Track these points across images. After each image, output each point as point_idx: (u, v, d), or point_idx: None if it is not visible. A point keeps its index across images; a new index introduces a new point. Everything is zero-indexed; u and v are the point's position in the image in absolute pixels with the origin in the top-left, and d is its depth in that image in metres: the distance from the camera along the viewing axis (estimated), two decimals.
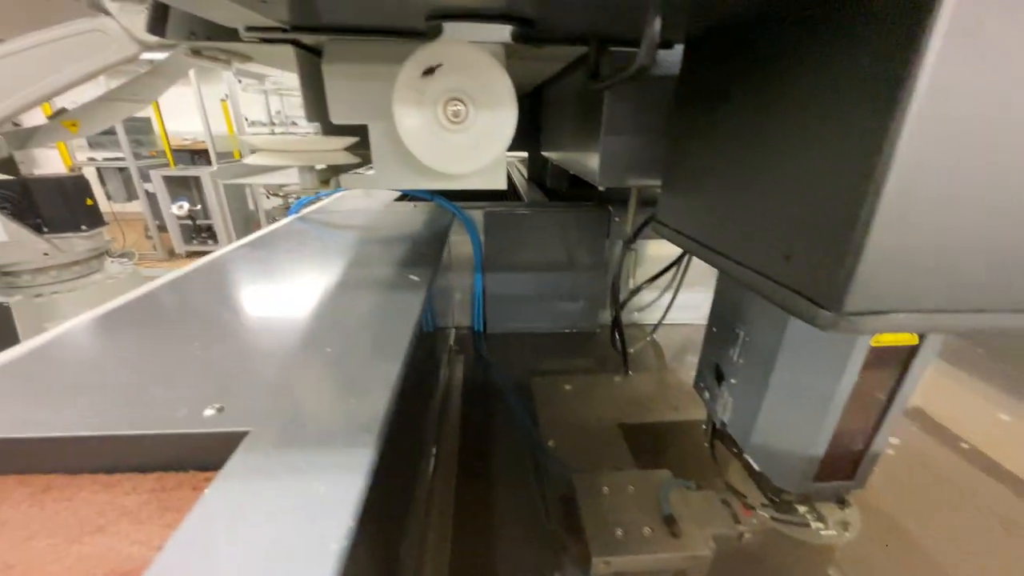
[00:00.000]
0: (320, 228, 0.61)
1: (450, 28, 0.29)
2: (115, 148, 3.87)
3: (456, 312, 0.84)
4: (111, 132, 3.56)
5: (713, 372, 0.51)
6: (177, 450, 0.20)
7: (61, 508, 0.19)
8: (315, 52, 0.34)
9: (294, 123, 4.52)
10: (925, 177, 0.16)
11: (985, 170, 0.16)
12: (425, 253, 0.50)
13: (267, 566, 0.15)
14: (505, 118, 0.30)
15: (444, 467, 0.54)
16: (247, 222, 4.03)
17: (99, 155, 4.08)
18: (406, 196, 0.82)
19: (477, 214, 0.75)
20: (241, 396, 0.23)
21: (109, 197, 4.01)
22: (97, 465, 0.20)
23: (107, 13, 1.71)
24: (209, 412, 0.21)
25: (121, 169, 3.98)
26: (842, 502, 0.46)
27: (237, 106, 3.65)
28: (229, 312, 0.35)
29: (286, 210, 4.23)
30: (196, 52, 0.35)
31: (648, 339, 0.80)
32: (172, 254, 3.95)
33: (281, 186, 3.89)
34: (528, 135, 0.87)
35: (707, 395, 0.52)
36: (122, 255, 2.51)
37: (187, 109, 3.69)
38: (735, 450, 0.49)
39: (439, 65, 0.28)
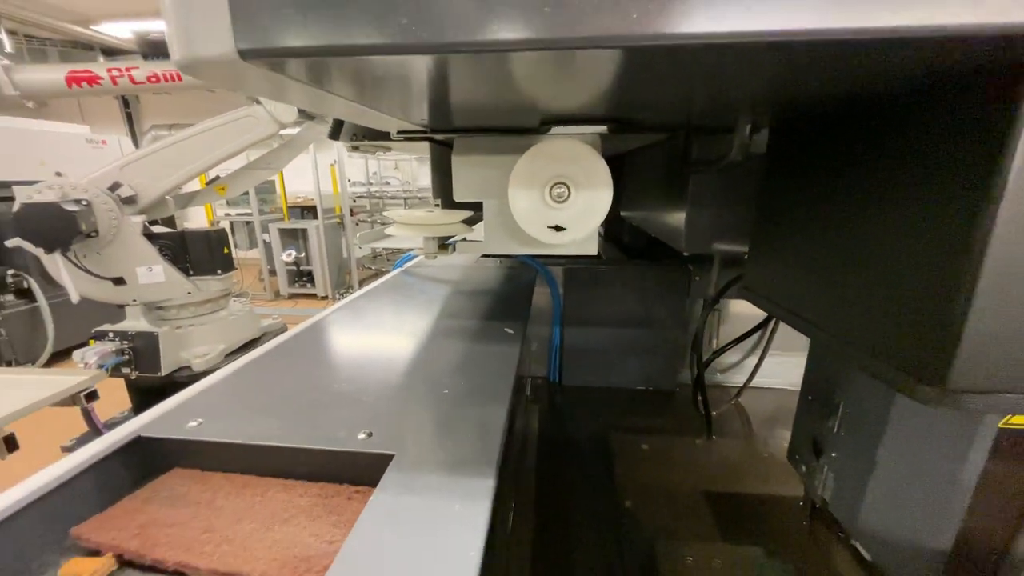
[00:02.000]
0: (423, 281, 0.70)
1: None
2: (245, 205, 4.62)
3: (532, 363, 0.87)
4: (244, 193, 4.28)
5: (811, 444, 0.48)
6: (338, 465, 0.26)
7: (256, 502, 0.25)
8: (445, 144, 0.43)
9: (387, 183, 5.08)
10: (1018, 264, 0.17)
11: None
12: (515, 307, 0.55)
13: (422, 564, 0.18)
14: (601, 197, 0.34)
15: (522, 517, 0.55)
16: (340, 269, 4.51)
17: (233, 211, 4.88)
18: (491, 255, 0.90)
19: (557, 270, 0.80)
20: (384, 425, 0.28)
21: (236, 246, 4.75)
22: (278, 470, 0.26)
23: (258, 102, 2.11)
24: (361, 436, 0.27)
25: (247, 222, 4.72)
26: None
27: (343, 169, 4.23)
28: (360, 350, 0.42)
29: (373, 259, 4.68)
30: (355, 147, 0.46)
31: (732, 402, 0.77)
32: (277, 295, 4.49)
33: (369, 234, 4.34)
34: None
35: (803, 468, 0.49)
36: (240, 295, 2.93)
37: (301, 172, 4.33)
38: (840, 534, 0.45)
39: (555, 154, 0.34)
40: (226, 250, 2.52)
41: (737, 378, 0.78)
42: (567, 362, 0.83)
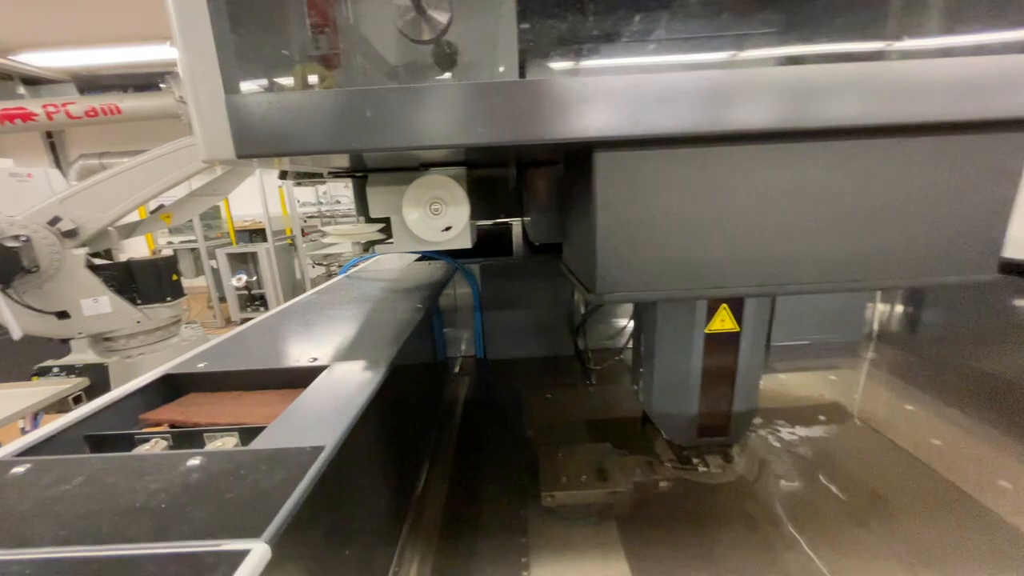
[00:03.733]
0: (362, 281, 0.87)
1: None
2: (188, 232, 4.53)
3: (468, 346, 1.06)
4: (188, 220, 4.21)
5: (637, 371, 0.70)
6: (295, 376, 0.43)
7: (247, 400, 0.41)
8: (363, 177, 0.61)
9: (338, 201, 5.13)
10: (614, 241, 0.39)
11: (639, 235, 0.39)
12: (427, 292, 0.74)
13: (326, 412, 0.36)
14: (462, 210, 0.54)
15: (445, 455, 0.73)
16: (295, 290, 4.50)
17: (176, 239, 4.75)
18: (424, 257, 1.09)
19: (476, 267, 1.00)
20: (324, 354, 0.46)
21: (181, 274, 4.62)
22: (261, 384, 0.43)
23: None
24: (309, 360, 0.44)
25: (192, 250, 4.62)
26: (727, 456, 0.62)
27: (291, 190, 4.25)
28: (313, 320, 0.59)
29: (328, 277, 4.72)
30: (298, 183, 0.63)
31: (616, 359, 0.99)
32: (228, 321, 4.42)
33: (326, 256, 4.38)
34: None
35: (636, 388, 0.70)
36: (191, 323, 2.92)
37: (248, 196, 4.30)
38: (653, 424, 0.66)
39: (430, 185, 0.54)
40: (175, 276, 2.55)
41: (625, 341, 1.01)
42: (490, 341, 1.02)
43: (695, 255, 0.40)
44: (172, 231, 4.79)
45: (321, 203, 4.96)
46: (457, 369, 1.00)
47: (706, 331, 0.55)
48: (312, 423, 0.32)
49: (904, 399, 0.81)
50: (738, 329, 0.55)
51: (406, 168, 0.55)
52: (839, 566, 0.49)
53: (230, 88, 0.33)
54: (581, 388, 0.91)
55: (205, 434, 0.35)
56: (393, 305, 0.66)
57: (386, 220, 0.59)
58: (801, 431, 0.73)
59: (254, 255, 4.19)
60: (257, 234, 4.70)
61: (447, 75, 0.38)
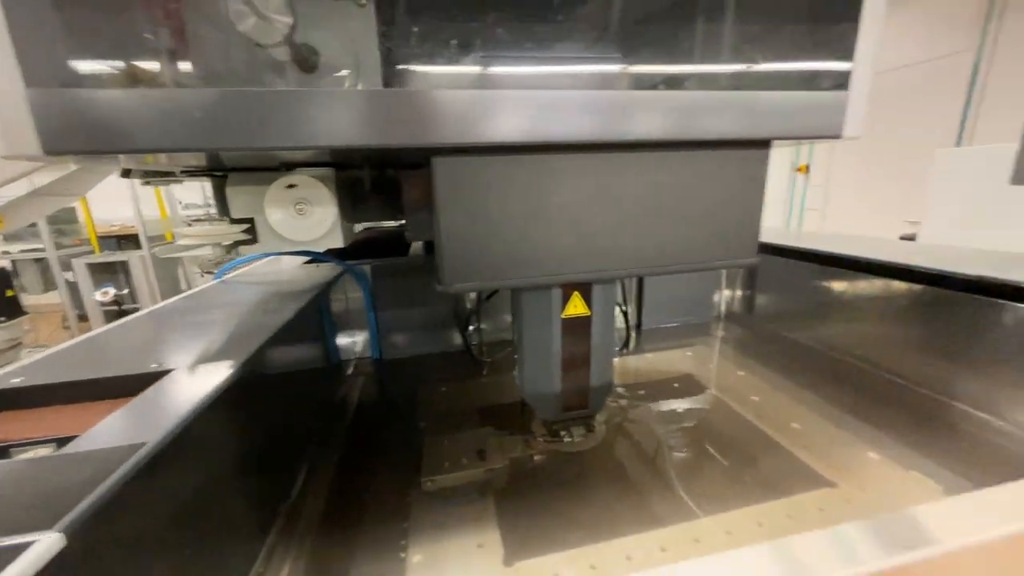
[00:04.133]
0: (239, 286, 0.83)
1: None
2: (33, 239, 3.80)
3: (365, 347, 1.05)
4: (32, 225, 3.53)
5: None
6: (132, 384, 0.41)
7: (71, 412, 0.39)
8: (223, 177, 0.59)
9: None
10: (456, 236, 0.43)
11: (479, 231, 0.44)
12: (307, 295, 0.74)
13: (155, 416, 0.36)
14: (328, 211, 0.56)
15: (330, 452, 0.73)
16: None
17: (15, 248, 3.96)
18: (312, 260, 1.06)
19: (368, 268, 1.00)
20: (170, 360, 0.44)
21: (23, 290, 3.85)
22: (91, 396, 0.41)
23: None
24: (154, 366, 0.42)
25: (38, 259, 3.88)
26: (589, 426, 0.71)
27: (170, 191, 3.77)
28: (167, 328, 0.56)
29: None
30: (147, 182, 0.59)
31: (509, 350, 1.06)
32: None
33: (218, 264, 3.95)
34: None
35: (515, 373, 0.77)
36: (38, 347, 2.46)
37: (117, 195, 3.73)
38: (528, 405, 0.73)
39: (295, 185, 0.54)
40: (9, 292, 2.14)
41: None
42: (386, 341, 1.03)
43: (527, 249, 0.46)
44: (7, 238, 3.97)
45: (210, 204, 4.47)
46: (351, 371, 0.99)
47: (562, 316, 0.62)
48: (137, 424, 0.32)
49: (737, 367, 0.98)
50: (589, 313, 0.63)
51: (267, 168, 0.54)
52: (689, 499, 0.59)
53: (34, 79, 0.31)
54: (475, 379, 0.96)
55: (12, 449, 0.32)
56: (263, 308, 0.64)
57: (250, 220, 0.58)
58: (657, 398, 0.85)
59: (124, 264, 3.63)
60: (129, 240, 4.09)
61: (305, 77, 0.39)
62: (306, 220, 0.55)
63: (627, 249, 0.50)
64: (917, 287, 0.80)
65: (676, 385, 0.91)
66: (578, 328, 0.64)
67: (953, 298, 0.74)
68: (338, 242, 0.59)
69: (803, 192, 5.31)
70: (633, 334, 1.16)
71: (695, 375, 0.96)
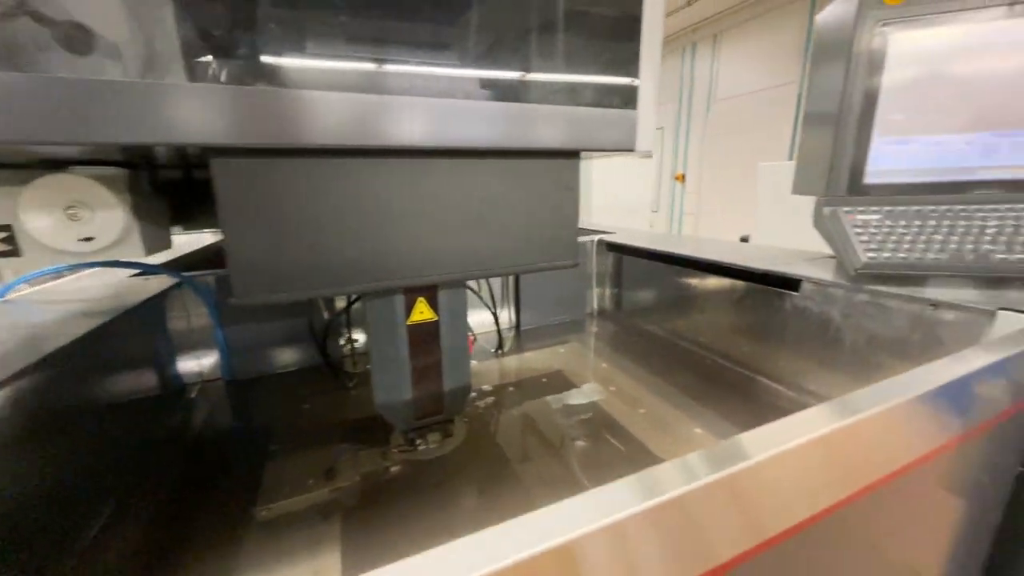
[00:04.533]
0: (25, 306, 0.68)
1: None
2: None
3: (215, 368, 0.93)
4: None
5: None
6: None
7: None
8: None
9: None
10: (245, 244, 0.40)
11: (274, 239, 0.41)
12: (105, 312, 0.63)
13: None
14: (114, 216, 0.48)
15: (151, 487, 0.64)
16: None
17: None
18: (141, 273, 0.92)
19: (213, 279, 0.90)
20: None
21: None
22: None
23: None
24: None
25: None
26: (447, 431, 0.71)
27: None
28: None
29: None
30: None
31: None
32: None
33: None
34: None
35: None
36: None
37: None
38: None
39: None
40: None
41: None
42: (237, 359, 0.93)
43: (330, 258, 0.44)
44: None
45: None
46: (194, 394, 0.88)
47: (408, 323, 0.61)
48: None
49: (603, 360, 1.06)
50: (436, 318, 0.63)
51: (21, 165, 0.45)
52: (533, 489, 0.61)
53: None
54: (343, 393, 0.91)
55: None
56: (42, 333, 0.53)
57: (7, 228, 0.48)
58: (524, 396, 0.88)
59: None
60: None
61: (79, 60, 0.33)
62: (84, 227, 0.47)
63: (450, 254, 0.51)
64: (734, 281, 0.93)
65: (544, 380, 0.96)
66: (426, 333, 0.63)
67: (755, 289, 0.87)
68: (137, 252, 0.51)
69: (681, 198, 5.98)
70: (512, 334, 1.19)
71: (564, 370, 1.01)
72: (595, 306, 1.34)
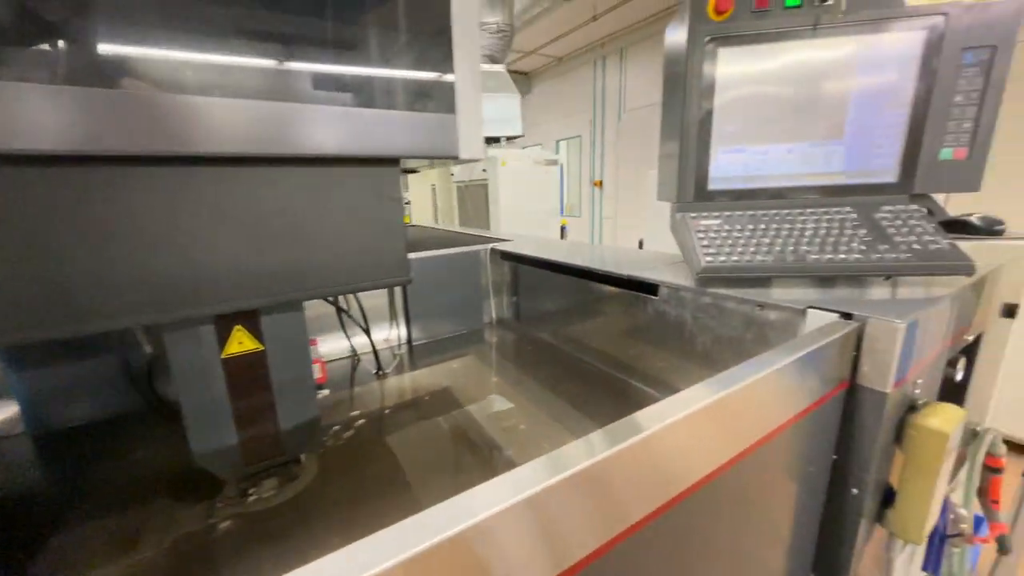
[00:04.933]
0: None
1: None
2: None
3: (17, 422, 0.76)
4: None
5: None
6: None
7: None
8: None
9: None
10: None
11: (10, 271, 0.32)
12: None
13: None
14: None
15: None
16: None
17: None
18: None
19: None
20: None
21: None
22: None
23: None
24: None
25: None
26: (291, 473, 0.63)
27: None
28: None
29: None
30: None
31: None
32: None
33: None
34: None
35: None
36: None
37: None
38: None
39: None
40: None
41: None
42: (42, 408, 0.77)
43: (87, 285, 0.36)
44: None
45: None
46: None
47: (223, 356, 0.53)
48: None
49: (495, 373, 1.03)
50: (262, 347, 0.55)
51: None
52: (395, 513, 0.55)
53: None
54: (176, 439, 0.78)
55: None
56: None
57: None
58: (398, 422, 0.82)
59: None
60: None
61: None
62: None
63: (264, 276, 0.44)
64: (613, 288, 0.95)
65: (427, 400, 0.90)
66: (249, 366, 0.55)
67: (626, 294, 0.89)
68: None
69: (600, 203, 6.26)
70: (404, 351, 1.12)
71: (452, 387, 0.97)
72: (494, 315, 1.31)
